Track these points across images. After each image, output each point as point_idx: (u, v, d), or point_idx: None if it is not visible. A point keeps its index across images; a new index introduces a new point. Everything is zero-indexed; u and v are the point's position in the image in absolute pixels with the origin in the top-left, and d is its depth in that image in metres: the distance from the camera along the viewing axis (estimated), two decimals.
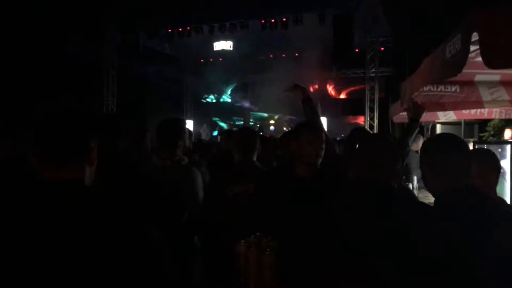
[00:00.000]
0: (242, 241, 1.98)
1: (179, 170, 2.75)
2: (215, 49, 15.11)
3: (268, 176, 2.74)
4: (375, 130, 12.68)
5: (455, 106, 4.93)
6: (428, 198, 3.44)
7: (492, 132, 7.23)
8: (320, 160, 2.42)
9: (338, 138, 11.32)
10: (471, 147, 5.66)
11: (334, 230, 1.90)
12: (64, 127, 1.24)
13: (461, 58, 2.32)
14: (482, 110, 5.24)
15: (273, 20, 12.16)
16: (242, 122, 18.66)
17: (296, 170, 2.45)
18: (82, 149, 1.26)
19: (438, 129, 10.68)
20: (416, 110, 3.36)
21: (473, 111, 5.38)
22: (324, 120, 15.04)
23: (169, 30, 13.35)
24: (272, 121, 18.46)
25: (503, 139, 6.32)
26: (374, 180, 2.00)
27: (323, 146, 2.40)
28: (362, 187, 2.01)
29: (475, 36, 2.18)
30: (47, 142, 1.23)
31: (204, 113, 18.28)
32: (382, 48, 13.24)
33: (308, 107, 2.99)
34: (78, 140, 1.26)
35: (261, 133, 15.88)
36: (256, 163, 2.89)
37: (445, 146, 1.73)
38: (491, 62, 2.09)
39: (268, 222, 2.18)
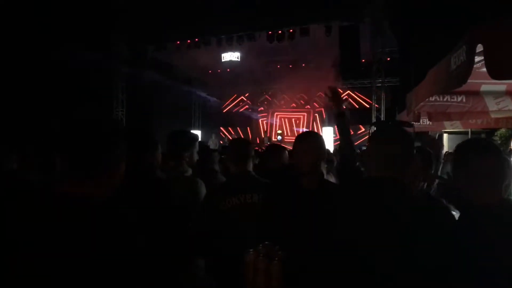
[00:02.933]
0: (251, 250, 2.00)
1: (183, 182, 2.78)
2: (223, 60, 15.24)
3: (275, 187, 2.74)
4: None
5: (461, 116, 4.94)
6: None
7: (499, 142, 7.21)
8: (319, 170, 2.39)
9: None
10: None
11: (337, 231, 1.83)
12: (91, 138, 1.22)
13: (466, 70, 2.36)
14: (489, 119, 5.24)
15: (280, 32, 12.26)
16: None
17: (301, 181, 2.46)
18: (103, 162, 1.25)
19: (445, 138, 10.68)
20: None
21: (479, 120, 5.38)
22: (330, 130, 15.08)
23: (177, 42, 13.51)
24: (279, 131, 18.44)
25: (510, 148, 6.30)
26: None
27: (319, 155, 2.35)
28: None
29: (479, 47, 2.22)
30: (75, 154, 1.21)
31: (212, 124, 18.39)
32: (389, 59, 13.28)
33: (340, 123, 2.69)
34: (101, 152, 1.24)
35: (268, 143, 15.95)
36: (252, 173, 2.85)
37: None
38: (495, 73, 2.12)
39: (274, 232, 2.20)
